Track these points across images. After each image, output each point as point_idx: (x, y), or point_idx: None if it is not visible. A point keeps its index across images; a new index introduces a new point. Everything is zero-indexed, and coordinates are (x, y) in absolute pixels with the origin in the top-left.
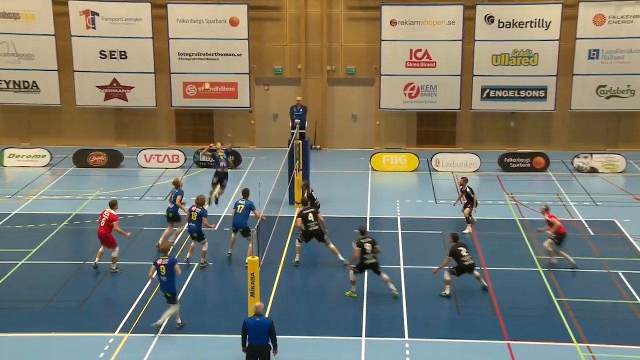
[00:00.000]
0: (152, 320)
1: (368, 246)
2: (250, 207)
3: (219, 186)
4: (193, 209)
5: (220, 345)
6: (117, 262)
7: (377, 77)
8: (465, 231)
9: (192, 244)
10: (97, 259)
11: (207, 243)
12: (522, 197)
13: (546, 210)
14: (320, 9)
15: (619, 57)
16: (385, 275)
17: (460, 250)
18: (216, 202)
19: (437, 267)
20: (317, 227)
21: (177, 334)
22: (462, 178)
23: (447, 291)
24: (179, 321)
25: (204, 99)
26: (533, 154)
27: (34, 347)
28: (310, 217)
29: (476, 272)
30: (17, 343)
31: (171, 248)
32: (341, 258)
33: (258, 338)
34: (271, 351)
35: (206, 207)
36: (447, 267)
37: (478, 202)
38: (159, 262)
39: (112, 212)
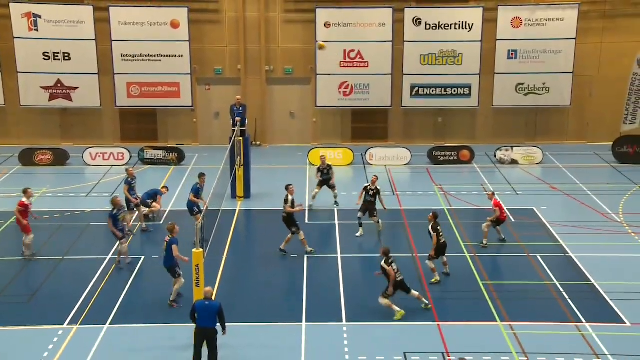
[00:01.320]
0: (100, 312)
1: (395, 265)
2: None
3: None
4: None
5: (167, 334)
6: (66, 257)
7: (313, 77)
8: (358, 234)
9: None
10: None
11: (125, 244)
12: (449, 187)
13: (492, 196)
14: (258, 12)
15: (535, 57)
16: (415, 292)
17: (439, 228)
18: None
19: (431, 252)
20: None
21: (127, 324)
22: (374, 176)
23: (437, 277)
24: (171, 298)
25: (147, 99)
26: (459, 148)
27: None
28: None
29: (444, 258)
30: None
31: (176, 227)
32: (308, 248)
33: (206, 321)
34: (220, 333)
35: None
36: (428, 255)
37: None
38: (166, 238)
39: (22, 199)
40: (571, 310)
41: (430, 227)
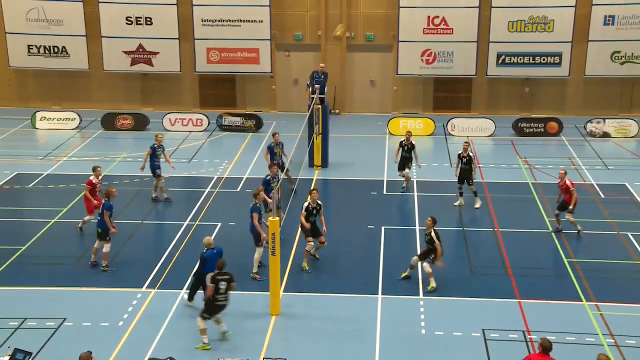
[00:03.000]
0: (177, 277)
1: (223, 285)
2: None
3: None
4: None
5: (244, 300)
6: (145, 221)
7: (395, 44)
8: (477, 205)
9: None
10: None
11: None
12: (535, 161)
13: (565, 175)
14: None
15: (634, 22)
16: (223, 326)
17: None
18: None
19: (440, 263)
20: None
21: (203, 291)
22: (465, 142)
23: (433, 284)
24: (254, 270)
25: (226, 65)
26: (547, 119)
27: (67, 300)
28: None
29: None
30: (51, 296)
31: (261, 194)
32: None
33: (214, 268)
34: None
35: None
36: (427, 260)
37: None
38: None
39: (91, 177)
40: None
41: (432, 234)
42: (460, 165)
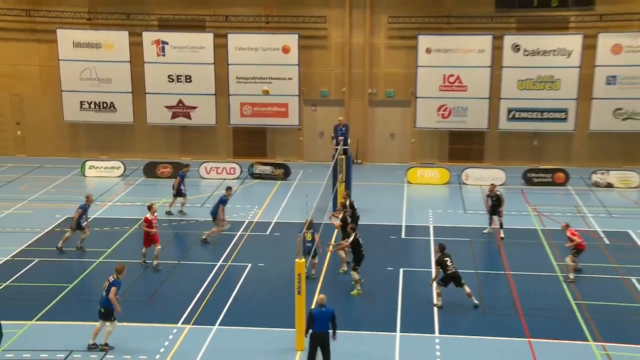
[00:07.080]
0: (211, 314)
1: (448, 259)
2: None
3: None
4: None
5: (268, 338)
6: (182, 262)
7: (413, 99)
8: (485, 231)
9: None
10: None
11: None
12: (543, 209)
13: (567, 227)
14: (363, 38)
15: (635, 82)
16: (467, 289)
17: (446, 260)
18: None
19: (432, 280)
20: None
21: (234, 327)
22: (491, 184)
23: (439, 303)
24: (103, 341)
25: (258, 118)
26: (554, 170)
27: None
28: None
29: (467, 289)
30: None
31: (124, 271)
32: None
33: (322, 326)
34: (331, 337)
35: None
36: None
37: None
38: (110, 278)
39: (147, 215)
40: None
41: (436, 259)
42: (490, 202)
